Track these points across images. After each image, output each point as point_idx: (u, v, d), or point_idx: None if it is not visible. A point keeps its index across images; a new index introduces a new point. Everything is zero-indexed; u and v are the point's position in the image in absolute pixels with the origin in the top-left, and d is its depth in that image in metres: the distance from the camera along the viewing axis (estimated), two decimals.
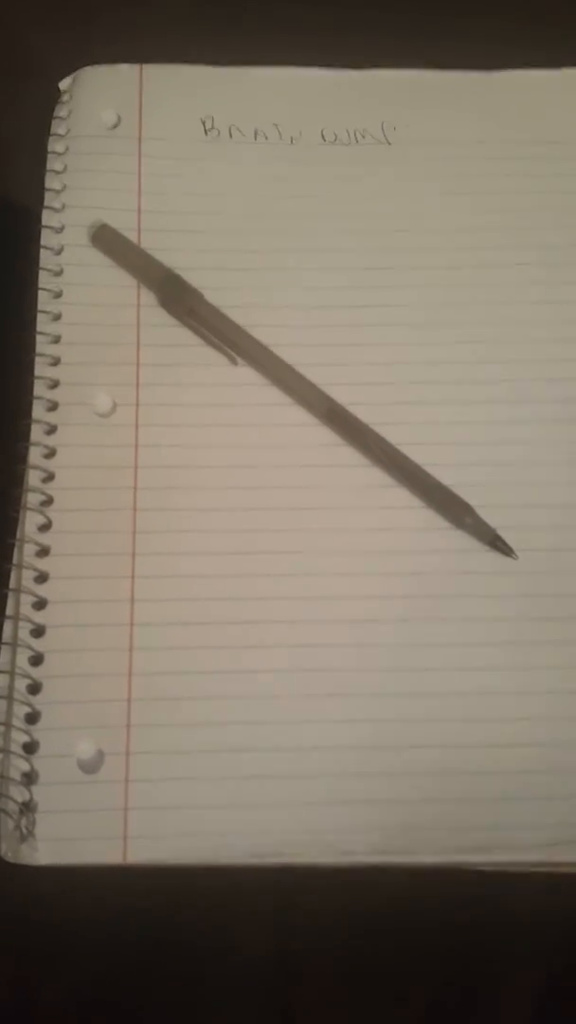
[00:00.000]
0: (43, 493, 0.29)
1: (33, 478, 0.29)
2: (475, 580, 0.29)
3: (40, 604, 0.28)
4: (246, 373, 0.31)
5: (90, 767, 0.27)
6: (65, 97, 0.34)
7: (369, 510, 0.29)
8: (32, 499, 0.29)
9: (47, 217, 0.32)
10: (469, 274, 0.32)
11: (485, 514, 0.29)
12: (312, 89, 0.35)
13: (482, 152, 0.34)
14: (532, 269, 0.33)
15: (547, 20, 0.36)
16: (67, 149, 0.33)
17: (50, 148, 0.33)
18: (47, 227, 0.32)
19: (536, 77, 0.35)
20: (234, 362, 0.31)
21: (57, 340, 0.31)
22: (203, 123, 0.34)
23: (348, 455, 0.30)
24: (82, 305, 0.31)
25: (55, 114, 0.34)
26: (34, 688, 0.27)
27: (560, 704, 0.28)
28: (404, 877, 0.26)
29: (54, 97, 0.34)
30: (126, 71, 0.35)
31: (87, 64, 0.35)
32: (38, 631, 0.28)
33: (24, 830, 0.26)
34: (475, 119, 0.35)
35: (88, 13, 0.36)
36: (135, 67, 0.35)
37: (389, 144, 0.34)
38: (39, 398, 0.30)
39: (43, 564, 0.28)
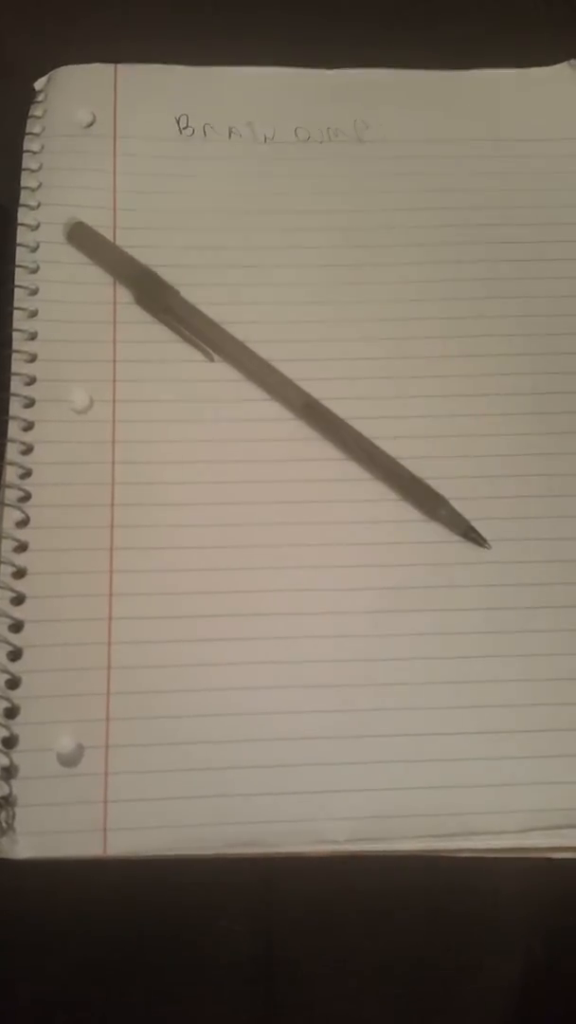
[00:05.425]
0: (20, 489, 0.29)
1: (10, 474, 0.29)
2: (449, 570, 0.29)
3: (18, 599, 0.28)
4: (223, 369, 0.31)
5: (70, 760, 0.27)
6: (40, 97, 0.34)
7: (345, 503, 0.30)
8: (9, 495, 0.29)
9: (23, 215, 0.32)
10: (441, 270, 0.33)
11: (457, 506, 0.29)
12: (285, 88, 0.35)
13: (452, 150, 0.35)
14: (502, 266, 0.33)
15: (514, 22, 0.37)
16: (43, 148, 0.33)
17: (26, 147, 0.33)
18: (23, 225, 0.32)
19: (503, 76, 0.36)
20: (210, 358, 0.31)
21: (33, 337, 0.31)
22: (178, 122, 0.34)
23: (324, 449, 0.30)
24: (58, 302, 0.31)
25: (30, 113, 0.34)
26: (13, 683, 0.27)
27: (532, 691, 0.28)
28: (382, 864, 0.26)
29: (29, 97, 0.34)
30: (101, 71, 0.35)
31: (62, 64, 0.35)
32: (16, 626, 0.28)
33: (4, 824, 0.26)
34: (444, 117, 0.35)
35: (63, 14, 0.36)
36: (110, 67, 0.35)
37: (361, 142, 0.35)
38: (16, 395, 0.30)
39: (21, 560, 0.28)
